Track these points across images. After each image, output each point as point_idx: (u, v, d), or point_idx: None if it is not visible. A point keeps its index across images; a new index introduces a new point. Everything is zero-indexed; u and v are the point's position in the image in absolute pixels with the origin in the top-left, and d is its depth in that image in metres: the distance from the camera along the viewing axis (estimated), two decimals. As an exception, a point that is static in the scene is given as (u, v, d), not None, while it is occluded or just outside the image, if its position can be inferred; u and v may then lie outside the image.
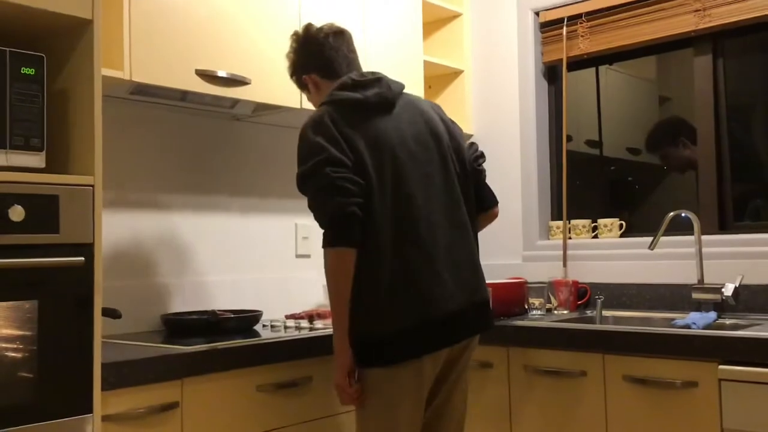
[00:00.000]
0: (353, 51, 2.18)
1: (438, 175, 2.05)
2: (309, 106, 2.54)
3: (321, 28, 2.17)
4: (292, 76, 2.23)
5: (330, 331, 2.32)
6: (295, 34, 2.20)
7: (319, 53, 2.13)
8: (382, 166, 1.96)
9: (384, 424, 1.95)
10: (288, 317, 2.66)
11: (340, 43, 2.15)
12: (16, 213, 1.61)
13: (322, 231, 1.92)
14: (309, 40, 2.16)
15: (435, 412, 2.07)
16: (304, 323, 2.49)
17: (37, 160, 1.70)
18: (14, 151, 1.66)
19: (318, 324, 2.49)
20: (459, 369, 2.08)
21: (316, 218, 1.93)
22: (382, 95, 2.05)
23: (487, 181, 2.26)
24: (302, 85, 2.21)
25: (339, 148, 1.92)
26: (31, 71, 1.69)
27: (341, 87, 2.05)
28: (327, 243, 1.91)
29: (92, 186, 1.74)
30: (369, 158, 1.94)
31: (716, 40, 2.85)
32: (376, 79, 2.09)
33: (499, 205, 2.28)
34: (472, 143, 2.26)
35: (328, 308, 2.65)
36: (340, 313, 1.93)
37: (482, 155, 2.26)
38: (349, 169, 1.91)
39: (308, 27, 2.18)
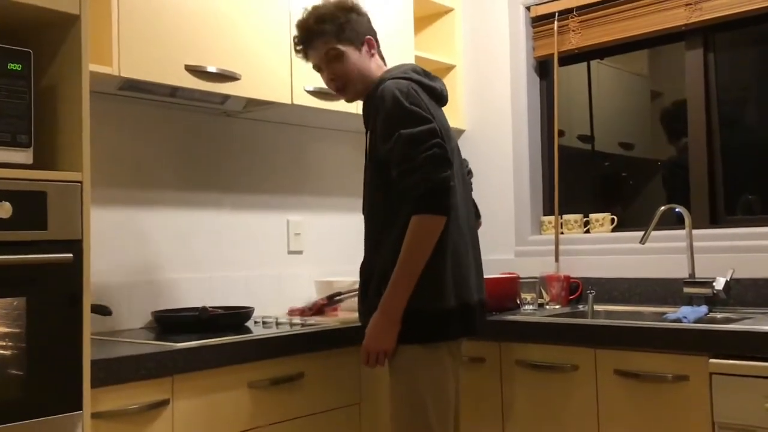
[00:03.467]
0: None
1: (462, 180, 2.17)
2: (300, 102, 2.54)
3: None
4: (344, 25, 2.09)
5: (321, 327, 2.33)
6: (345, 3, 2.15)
7: (346, 22, 2.10)
8: (451, 153, 2.01)
9: (435, 402, 1.96)
10: (292, 312, 2.68)
11: (362, 16, 2.21)
12: (4, 209, 1.60)
13: (419, 196, 1.89)
14: (363, 15, 2.17)
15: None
16: (297, 320, 2.49)
17: (24, 156, 1.69)
18: (1, 147, 1.65)
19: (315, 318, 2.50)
20: (457, 360, 2.13)
21: (416, 182, 1.89)
22: (444, 91, 2.18)
23: (480, 176, 2.37)
24: (352, 40, 2.10)
25: (436, 122, 1.97)
26: (18, 67, 1.68)
27: (415, 71, 2.10)
28: (427, 208, 1.89)
29: (80, 182, 1.73)
30: (446, 144, 1.99)
31: (707, 34, 2.85)
32: (437, 77, 2.20)
33: (489, 201, 2.36)
34: (464, 158, 2.35)
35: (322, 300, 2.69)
36: (413, 279, 1.91)
37: (471, 172, 2.43)
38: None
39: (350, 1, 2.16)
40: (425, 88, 2.07)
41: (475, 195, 2.35)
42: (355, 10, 2.16)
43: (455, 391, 2.06)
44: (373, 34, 2.18)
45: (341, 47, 2.09)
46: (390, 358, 1.98)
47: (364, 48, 2.13)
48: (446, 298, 1.96)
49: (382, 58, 2.21)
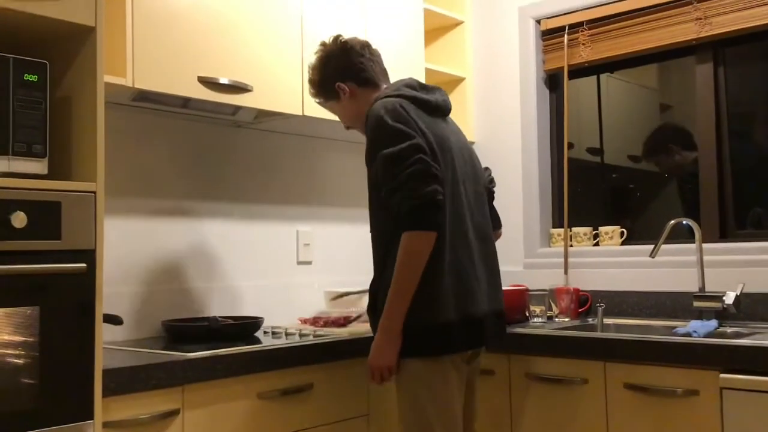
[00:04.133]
0: (383, 65, 2.27)
1: (475, 189, 2.17)
2: (311, 113, 2.55)
3: (353, 40, 2.24)
4: (320, 83, 2.23)
5: (330, 338, 2.33)
6: (325, 43, 2.24)
7: (359, 63, 2.19)
8: (447, 166, 2.04)
9: (441, 416, 1.98)
10: (305, 321, 2.70)
11: (376, 56, 2.26)
12: (19, 219, 1.61)
13: (404, 213, 1.91)
14: (347, 50, 2.21)
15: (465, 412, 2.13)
16: (306, 330, 2.49)
17: (39, 166, 1.70)
18: (17, 157, 1.67)
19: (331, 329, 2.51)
20: (473, 371, 2.16)
21: (402, 200, 1.91)
22: (445, 102, 2.19)
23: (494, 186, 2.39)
24: (331, 94, 2.22)
25: (421, 137, 1.98)
26: (34, 78, 1.70)
27: (408, 86, 2.13)
28: (414, 225, 1.91)
29: (94, 192, 1.74)
30: (440, 156, 2.01)
31: (717, 49, 2.85)
32: (438, 88, 2.21)
33: (498, 213, 2.41)
34: (486, 167, 2.39)
35: (331, 315, 2.69)
36: (407, 296, 1.94)
37: (494, 180, 2.44)
38: (430, 158, 1.97)
39: (341, 37, 2.23)
40: (418, 101, 2.08)
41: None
42: (324, 62, 2.22)
43: (463, 403, 2.06)
44: (346, 74, 2.18)
45: (327, 106, 2.28)
46: (395, 373, 2.00)
47: (341, 95, 2.19)
48: (444, 312, 1.96)
49: (373, 83, 2.20)
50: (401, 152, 1.93)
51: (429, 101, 2.11)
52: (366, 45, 2.24)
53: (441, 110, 2.16)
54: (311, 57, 2.27)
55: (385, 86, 2.20)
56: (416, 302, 1.94)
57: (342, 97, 2.20)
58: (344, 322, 2.62)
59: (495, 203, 2.42)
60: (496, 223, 2.37)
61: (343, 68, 2.19)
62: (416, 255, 1.92)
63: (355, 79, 2.19)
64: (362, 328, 2.44)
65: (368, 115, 2.05)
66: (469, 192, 2.13)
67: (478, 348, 2.11)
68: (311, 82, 2.27)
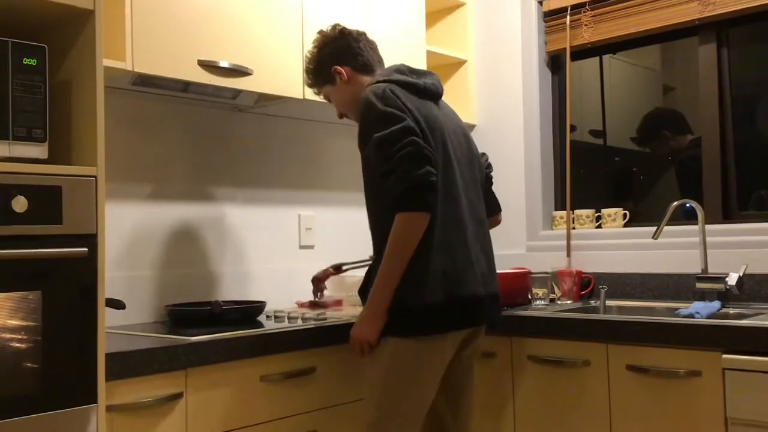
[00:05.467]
0: (380, 54, 2.29)
1: (470, 172, 2.18)
2: (312, 97, 2.54)
3: (350, 28, 2.26)
4: (316, 68, 2.26)
5: (332, 322, 2.33)
6: (323, 31, 2.27)
7: (357, 48, 2.22)
8: (437, 147, 2.05)
9: (411, 395, 2.00)
10: (302, 305, 2.71)
11: (374, 45, 2.28)
12: (20, 204, 1.61)
13: (398, 194, 1.94)
14: (345, 35, 2.24)
15: (453, 394, 2.15)
16: (309, 313, 2.50)
17: (39, 151, 1.70)
18: (17, 142, 1.66)
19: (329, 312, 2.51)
20: (469, 354, 2.17)
21: (395, 181, 1.94)
22: (434, 85, 2.19)
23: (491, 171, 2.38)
24: (327, 78, 2.24)
25: (412, 120, 2.00)
26: (33, 62, 1.69)
27: (398, 71, 2.15)
28: (406, 207, 1.94)
29: (95, 177, 1.74)
30: (430, 137, 2.02)
31: (721, 29, 2.83)
32: (428, 72, 2.23)
33: (501, 196, 2.45)
34: (483, 153, 2.41)
35: (331, 298, 2.71)
36: (397, 274, 1.97)
37: (491, 165, 2.43)
38: (422, 140, 1.98)
39: (339, 25, 2.26)
40: (407, 85, 2.10)
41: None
42: (321, 47, 2.25)
43: (437, 385, 2.06)
44: (342, 58, 2.21)
45: (323, 91, 2.30)
46: (374, 347, 2.03)
47: (337, 79, 2.21)
48: (430, 293, 1.98)
49: (370, 68, 2.23)
50: (393, 135, 1.96)
51: (418, 84, 2.13)
52: (363, 34, 2.28)
53: (431, 93, 2.17)
54: (309, 46, 2.29)
55: (379, 73, 2.21)
56: (404, 282, 1.98)
57: (338, 81, 2.21)
58: (340, 305, 2.64)
59: (496, 186, 2.42)
60: (495, 208, 2.39)
61: (341, 52, 2.22)
62: (407, 236, 1.95)
63: (351, 63, 2.21)
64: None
65: (358, 102, 2.07)
66: (465, 174, 2.14)
67: (467, 329, 2.10)
68: (307, 70, 2.30)
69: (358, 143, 2.08)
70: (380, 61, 2.28)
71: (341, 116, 2.32)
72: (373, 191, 2.10)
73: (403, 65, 2.20)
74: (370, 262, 2.20)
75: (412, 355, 2.00)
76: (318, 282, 2.69)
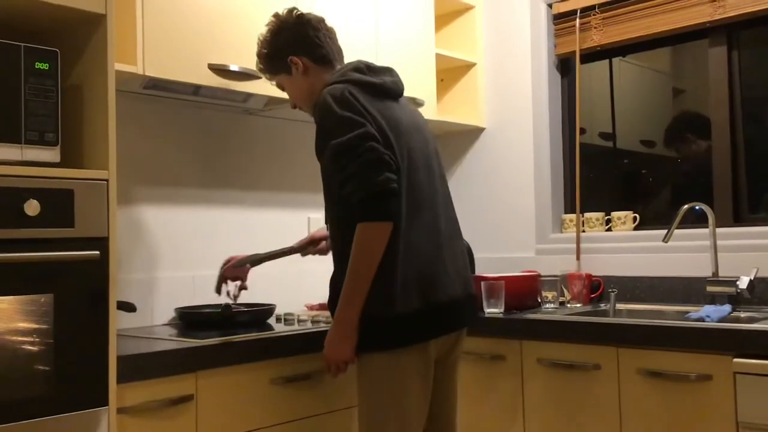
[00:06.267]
0: (339, 44, 2.19)
1: (436, 170, 2.10)
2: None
3: (309, 14, 2.15)
4: (270, 55, 2.13)
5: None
6: (279, 15, 2.14)
7: (315, 37, 2.11)
8: (401, 149, 1.97)
9: (395, 412, 1.93)
10: (312, 307, 2.70)
11: (332, 33, 2.17)
12: (32, 207, 1.62)
13: (357, 204, 1.86)
14: (303, 22, 2.11)
15: (438, 399, 2.09)
16: (319, 316, 2.50)
17: (51, 154, 1.71)
18: (29, 145, 1.67)
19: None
20: (453, 358, 2.12)
21: (354, 190, 1.86)
22: (395, 83, 2.10)
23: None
24: (282, 67, 2.12)
25: (372, 124, 1.91)
26: (45, 66, 1.70)
27: (355, 70, 2.04)
28: (368, 216, 1.86)
29: (107, 180, 1.75)
30: (393, 140, 1.95)
31: (731, 31, 2.82)
32: (387, 68, 2.12)
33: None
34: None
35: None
36: (363, 288, 1.88)
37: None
38: (382, 145, 1.91)
39: (296, 10, 2.14)
40: (367, 86, 2.00)
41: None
42: (276, 32, 2.12)
43: (428, 393, 2.00)
44: (300, 47, 2.09)
45: (276, 79, 2.18)
46: (352, 365, 1.98)
47: (293, 69, 2.11)
48: (405, 302, 1.90)
49: (328, 60, 2.11)
50: (351, 141, 1.87)
51: (378, 84, 2.03)
52: (322, 20, 2.15)
53: (392, 93, 2.07)
54: (262, 29, 2.16)
55: (339, 67, 2.12)
56: (372, 294, 1.89)
57: (294, 72, 2.11)
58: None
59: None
60: None
61: (298, 41, 2.09)
62: (371, 247, 1.86)
63: (310, 54, 2.09)
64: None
65: (316, 104, 1.99)
66: (429, 173, 2.06)
67: (447, 334, 2.02)
68: (260, 55, 2.15)
69: (315, 149, 2.00)
70: (339, 51, 2.16)
71: (294, 107, 2.21)
72: (332, 199, 2.01)
73: (361, 62, 2.08)
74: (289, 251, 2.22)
75: (393, 369, 1.93)
76: (228, 278, 2.50)
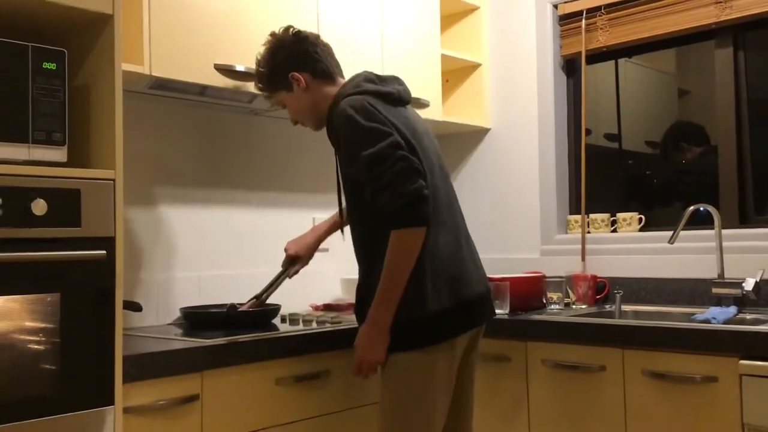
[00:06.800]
0: (336, 58, 2.21)
1: (444, 169, 2.15)
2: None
3: (305, 31, 2.18)
4: (270, 74, 2.16)
5: (347, 325, 2.33)
6: (275, 33, 2.17)
7: (314, 53, 2.14)
8: (423, 154, 2.02)
9: (421, 409, 1.97)
10: (317, 308, 2.71)
11: (330, 49, 2.20)
12: (39, 207, 1.62)
13: (393, 212, 1.90)
14: (301, 39, 2.15)
15: (456, 396, 2.11)
16: (324, 316, 2.50)
17: (58, 154, 1.71)
18: (36, 145, 1.68)
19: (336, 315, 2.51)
20: (474, 355, 2.16)
21: (388, 199, 1.90)
22: (406, 92, 2.15)
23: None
24: (282, 84, 2.15)
25: (396, 133, 1.96)
26: (52, 66, 1.71)
27: (368, 80, 2.09)
28: (404, 223, 1.90)
29: (113, 180, 1.75)
30: (417, 147, 2.00)
31: (737, 33, 2.82)
32: (394, 77, 2.17)
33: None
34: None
35: (345, 301, 2.71)
36: (398, 291, 1.93)
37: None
38: (408, 152, 1.95)
39: (292, 28, 2.17)
40: (381, 95, 2.05)
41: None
42: (275, 51, 2.14)
43: (451, 389, 2.04)
44: (300, 64, 2.12)
45: (276, 97, 2.20)
46: (382, 368, 2.01)
47: (294, 86, 2.13)
48: (435, 301, 1.96)
49: (329, 75, 2.14)
50: (382, 152, 1.91)
51: (391, 93, 2.07)
52: (318, 37, 2.19)
53: (403, 100, 2.12)
54: (260, 48, 2.18)
55: (341, 80, 2.15)
56: (405, 296, 1.94)
57: (295, 89, 2.13)
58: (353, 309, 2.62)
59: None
60: None
61: (298, 58, 2.12)
62: (407, 252, 1.92)
63: (310, 70, 2.12)
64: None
65: (334, 116, 2.02)
66: (443, 175, 2.12)
67: (473, 329, 2.09)
68: (259, 74, 2.18)
69: (341, 161, 2.03)
70: (337, 65, 2.19)
71: (295, 123, 2.25)
72: (358, 208, 2.05)
73: (370, 73, 2.13)
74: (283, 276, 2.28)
75: (423, 367, 1.97)
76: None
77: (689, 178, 3.13)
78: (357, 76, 2.12)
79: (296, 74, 2.12)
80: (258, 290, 2.53)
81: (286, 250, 2.54)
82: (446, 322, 1.98)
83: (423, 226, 1.92)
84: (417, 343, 1.97)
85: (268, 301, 2.51)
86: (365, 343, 2.00)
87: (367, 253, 2.05)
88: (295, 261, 2.54)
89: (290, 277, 2.54)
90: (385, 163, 1.91)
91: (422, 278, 1.95)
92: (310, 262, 2.57)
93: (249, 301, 2.51)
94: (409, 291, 1.94)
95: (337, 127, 2.02)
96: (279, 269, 2.54)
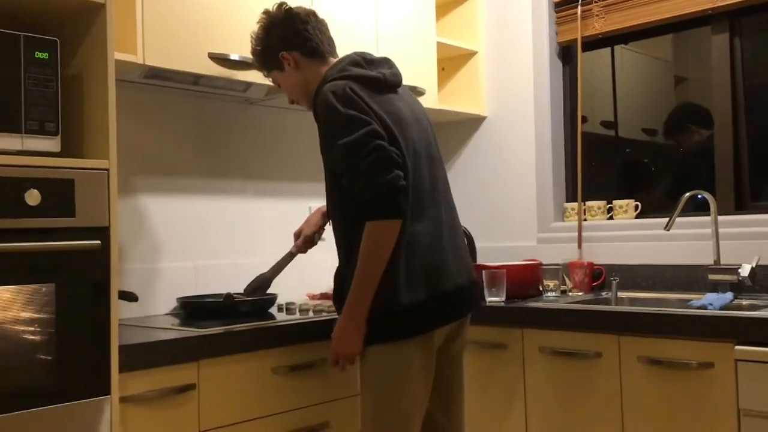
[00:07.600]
0: (330, 35, 2.18)
1: (436, 156, 2.11)
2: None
3: (298, 8, 2.14)
4: (263, 52, 2.15)
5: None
6: (268, 11, 2.15)
7: (304, 31, 2.10)
8: (407, 143, 1.98)
9: (399, 402, 1.95)
10: (314, 297, 2.70)
11: (322, 25, 2.16)
12: (33, 197, 1.62)
13: (367, 202, 1.87)
14: (291, 17, 2.11)
15: (443, 389, 2.10)
16: (320, 305, 2.50)
17: (52, 144, 1.71)
18: (29, 135, 1.67)
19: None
20: (457, 346, 2.13)
21: (364, 189, 1.87)
22: (394, 74, 2.10)
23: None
24: (274, 64, 2.13)
25: (376, 122, 1.92)
26: (44, 55, 1.70)
27: (354, 64, 2.05)
28: (379, 214, 1.87)
29: (107, 170, 1.75)
30: (397, 134, 1.96)
31: (734, 18, 2.81)
32: (385, 59, 2.12)
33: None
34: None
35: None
36: (373, 284, 1.90)
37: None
38: (387, 142, 1.92)
39: (284, 5, 2.14)
40: (366, 80, 2.00)
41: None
42: (267, 28, 2.13)
43: (430, 381, 2.02)
44: (289, 43, 2.10)
45: (271, 75, 2.19)
46: (360, 359, 2.00)
47: (285, 65, 2.11)
48: (410, 294, 1.92)
49: (320, 53, 2.11)
50: (358, 140, 1.88)
51: (377, 78, 2.03)
52: (311, 13, 2.15)
53: (391, 85, 2.07)
54: (255, 26, 2.16)
55: (332, 59, 2.12)
56: (379, 288, 1.91)
57: (286, 68, 2.11)
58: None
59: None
60: None
61: (287, 36, 2.10)
62: (381, 244, 1.89)
63: (300, 48, 2.09)
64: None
65: (317, 101, 2.00)
66: (432, 161, 2.07)
67: (451, 322, 2.04)
68: (254, 53, 2.17)
69: (320, 147, 2.01)
70: (331, 41, 2.15)
71: (292, 102, 2.23)
72: (336, 198, 2.03)
73: (358, 55, 2.08)
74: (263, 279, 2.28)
75: (399, 359, 1.95)
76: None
77: (686, 163, 3.13)
78: (345, 58, 2.09)
79: (286, 53, 2.10)
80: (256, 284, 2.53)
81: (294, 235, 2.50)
82: (420, 314, 1.95)
83: (397, 217, 1.89)
84: (391, 336, 1.94)
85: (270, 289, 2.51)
86: (341, 335, 1.98)
87: (345, 242, 2.02)
88: (312, 241, 2.49)
89: (303, 252, 2.48)
90: (361, 151, 1.88)
91: (396, 270, 1.92)
92: (309, 251, 2.56)
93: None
94: (384, 283, 1.91)
95: (318, 114, 2.01)
96: (276, 258, 2.53)
